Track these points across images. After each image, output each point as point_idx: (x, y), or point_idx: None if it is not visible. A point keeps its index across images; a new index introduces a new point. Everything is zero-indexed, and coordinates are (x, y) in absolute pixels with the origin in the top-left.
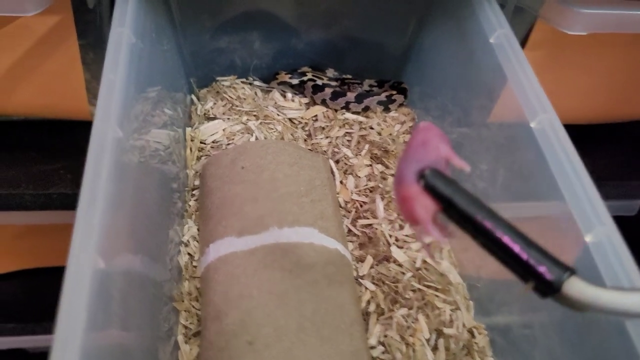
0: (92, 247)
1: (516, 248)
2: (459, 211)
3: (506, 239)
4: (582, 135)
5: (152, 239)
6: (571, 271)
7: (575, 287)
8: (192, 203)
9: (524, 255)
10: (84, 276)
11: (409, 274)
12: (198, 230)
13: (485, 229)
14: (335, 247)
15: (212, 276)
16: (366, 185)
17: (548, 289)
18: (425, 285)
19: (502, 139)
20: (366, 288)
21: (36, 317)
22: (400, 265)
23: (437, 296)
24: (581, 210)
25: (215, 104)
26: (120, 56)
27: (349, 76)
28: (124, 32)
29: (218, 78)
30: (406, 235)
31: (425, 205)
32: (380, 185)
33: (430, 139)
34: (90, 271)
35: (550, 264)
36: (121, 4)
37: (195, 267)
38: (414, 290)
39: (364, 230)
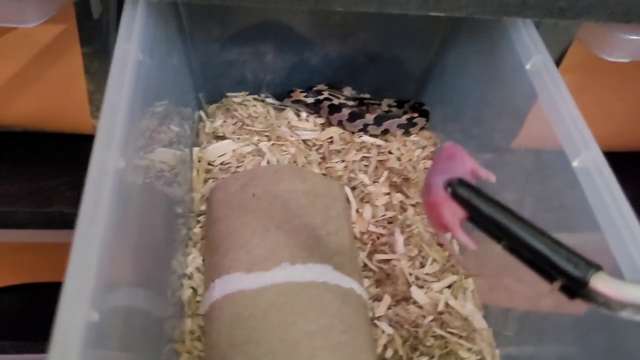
0: (85, 300)
1: (542, 247)
2: (485, 216)
3: (532, 239)
4: (618, 163)
5: (154, 270)
6: (598, 267)
7: (602, 282)
8: (197, 230)
9: (550, 254)
10: (76, 332)
11: (430, 318)
12: (203, 261)
13: (510, 231)
14: (351, 287)
15: (217, 316)
16: (384, 215)
17: (575, 285)
18: (448, 332)
19: (530, 166)
20: (383, 331)
21: (32, 336)
22: (420, 307)
23: (460, 344)
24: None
25: (224, 122)
26: (126, 76)
27: (367, 95)
28: (130, 49)
29: (228, 93)
30: (427, 274)
31: (452, 210)
32: (400, 217)
33: (456, 152)
34: (83, 326)
35: (577, 260)
36: (129, 16)
37: (198, 302)
38: (435, 337)
39: (381, 265)
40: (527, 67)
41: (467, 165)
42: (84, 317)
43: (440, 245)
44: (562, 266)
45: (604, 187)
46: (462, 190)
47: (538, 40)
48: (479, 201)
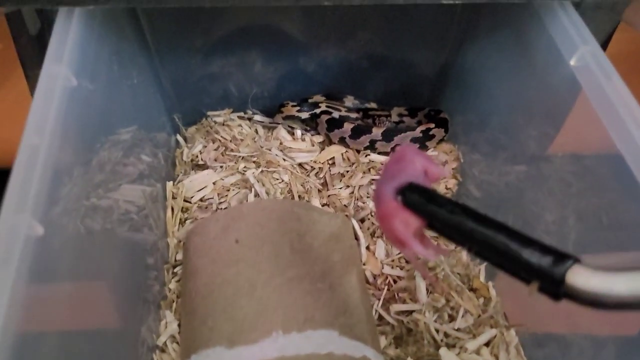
0: None
1: (508, 245)
2: (442, 221)
3: (499, 240)
4: None
5: (107, 349)
6: (575, 259)
7: (580, 275)
8: (172, 285)
9: (518, 251)
10: None
11: None
12: (179, 326)
13: (471, 232)
14: (363, 355)
15: None
16: (401, 253)
17: (551, 284)
18: None
19: (572, 177)
20: None
21: None
22: None
23: None
24: None
25: (205, 147)
26: (52, 109)
27: (373, 105)
28: (59, 72)
29: (209, 113)
30: (458, 330)
31: (404, 221)
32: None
33: (405, 153)
34: None
35: (551, 256)
36: (60, 30)
37: None
38: None
39: (400, 318)
40: (572, 62)
41: (417, 165)
42: None
43: (474, 290)
44: (533, 263)
45: None
46: (413, 197)
47: (582, 27)
48: (433, 206)
